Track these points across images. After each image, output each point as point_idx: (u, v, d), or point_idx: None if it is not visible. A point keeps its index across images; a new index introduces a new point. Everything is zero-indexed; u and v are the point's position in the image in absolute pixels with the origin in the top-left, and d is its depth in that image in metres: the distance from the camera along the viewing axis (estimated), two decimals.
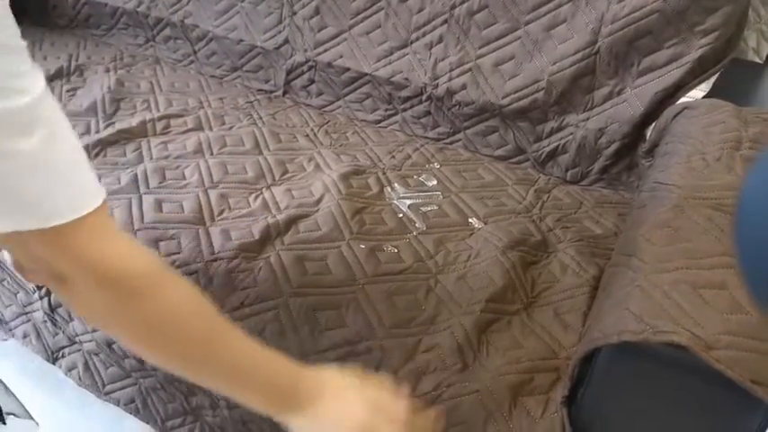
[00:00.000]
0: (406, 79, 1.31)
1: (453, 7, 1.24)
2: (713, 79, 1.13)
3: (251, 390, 0.57)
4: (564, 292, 0.89)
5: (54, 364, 1.12)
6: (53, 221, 0.45)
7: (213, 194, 1.04)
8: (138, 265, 0.50)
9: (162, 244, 0.91)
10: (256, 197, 1.05)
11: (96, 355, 1.03)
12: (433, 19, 1.27)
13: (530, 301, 0.88)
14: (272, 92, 1.50)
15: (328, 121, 1.38)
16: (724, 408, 0.61)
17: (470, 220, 1.05)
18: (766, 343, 0.57)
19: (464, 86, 1.25)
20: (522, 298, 0.87)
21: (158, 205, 0.99)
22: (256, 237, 0.92)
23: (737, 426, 0.61)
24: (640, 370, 0.63)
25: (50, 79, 1.44)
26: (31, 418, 0.95)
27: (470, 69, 1.24)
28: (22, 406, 0.94)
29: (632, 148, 1.14)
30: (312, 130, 1.33)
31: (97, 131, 1.22)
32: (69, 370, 1.09)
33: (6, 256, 0.95)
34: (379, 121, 1.39)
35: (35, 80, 0.43)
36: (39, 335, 1.10)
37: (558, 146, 1.20)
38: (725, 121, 0.92)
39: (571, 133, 1.18)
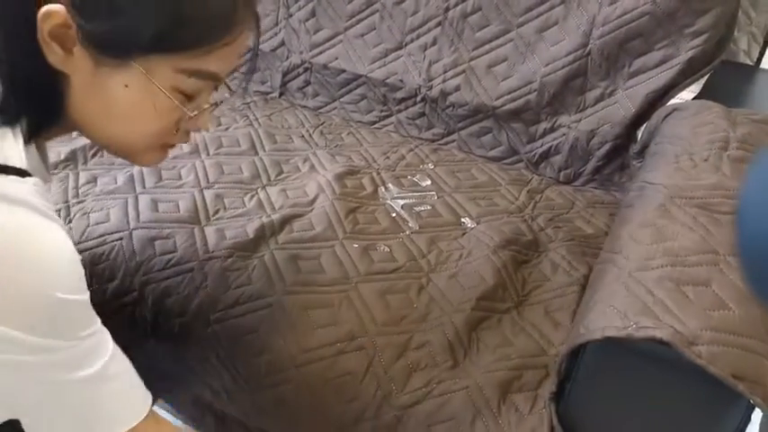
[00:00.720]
0: (401, 81, 1.32)
1: (447, 10, 1.25)
2: (704, 81, 1.14)
3: None
4: (554, 290, 0.90)
5: None
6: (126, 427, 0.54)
7: (209, 194, 1.05)
8: None
9: (157, 243, 0.92)
10: (251, 197, 1.07)
11: None
12: (427, 21, 1.28)
13: (520, 299, 0.89)
14: (268, 93, 1.52)
15: (324, 123, 1.39)
16: (706, 403, 0.62)
17: (463, 219, 1.06)
18: (748, 338, 0.58)
19: (458, 88, 1.26)
20: (512, 296, 0.89)
21: (154, 205, 1.01)
22: (251, 236, 0.94)
23: (720, 420, 0.62)
24: (625, 366, 0.64)
25: None
26: None
27: (464, 71, 1.25)
28: None
29: (624, 149, 1.15)
30: (307, 131, 1.34)
31: None
32: None
33: None
34: (374, 123, 1.41)
35: (95, 318, 0.53)
36: None
37: (550, 147, 1.21)
38: (713, 122, 0.93)
39: (563, 134, 1.19)
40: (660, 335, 0.57)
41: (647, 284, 0.64)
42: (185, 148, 1.20)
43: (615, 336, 0.60)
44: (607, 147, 1.15)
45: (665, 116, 1.04)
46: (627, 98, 1.12)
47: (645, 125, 1.11)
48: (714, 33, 1.06)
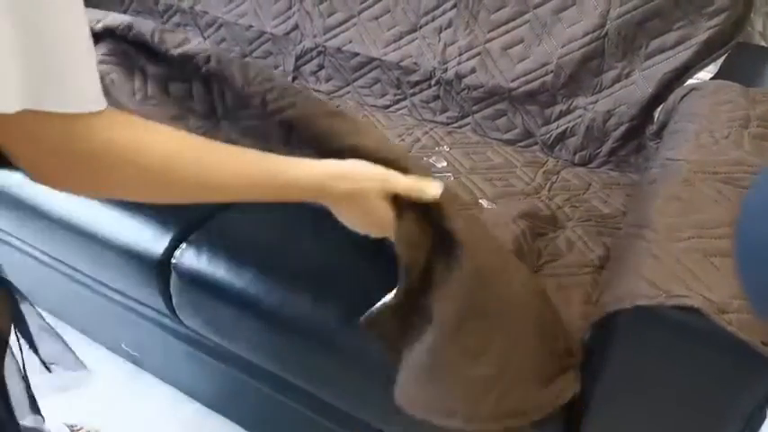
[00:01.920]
0: (416, 63, 1.32)
1: None
2: (720, 62, 1.14)
3: (268, 197, 0.57)
4: (568, 267, 0.91)
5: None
6: (91, 107, 0.43)
7: None
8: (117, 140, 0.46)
9: None
10: None
11: None
12: (442, 3, 1.28)
13: (535, 269, 0.90)
14: None
15: (338, 106, 1.39)
16: (734, 373, 0.62)
17: (480, 200, 1.06)
18: None
19: (473, 70, 1.26)
20: (528, 265, 0.89)
21: None
22: None
23: (747, 390, 0.62)
24: (654, 337, 0.64)
25: None
26: (84, 366, 0.89)
27: (479, 53, 1.25)
28: (73, 353, 0.87)
29: (640, 130, 1.15)
30: None
31: None
32: None
33: None
34: (388, 107, 1.40)
35: None
36: None
37: (566, 129, 1.21)
38: (732, 101, 0.93)
39: (580, 116, 1.19)
40: (691, 302, 0.58)
41: (676, 255, 0.64)
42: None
43: (646, 304, 0.60)
44: (623, 128, 1.15)
45: (683, 96, 1.04)
46: (644, 79, 1.12)
47: (662, 106, 1.11)
48: (732, 13, 1.05)
